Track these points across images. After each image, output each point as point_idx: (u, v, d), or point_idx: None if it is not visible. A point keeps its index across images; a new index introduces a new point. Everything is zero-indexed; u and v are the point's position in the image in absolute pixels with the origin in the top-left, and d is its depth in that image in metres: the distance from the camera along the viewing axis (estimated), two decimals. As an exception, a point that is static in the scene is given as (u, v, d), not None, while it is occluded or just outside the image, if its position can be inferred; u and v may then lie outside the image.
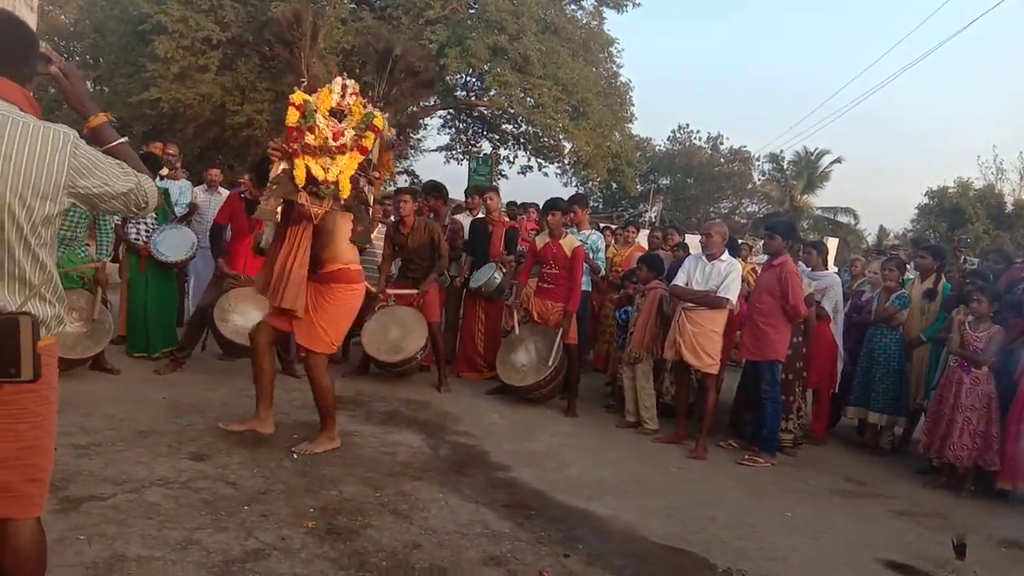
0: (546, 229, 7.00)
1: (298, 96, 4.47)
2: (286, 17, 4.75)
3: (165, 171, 7.47)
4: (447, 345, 8.17)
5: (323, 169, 4.45)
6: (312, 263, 4.72)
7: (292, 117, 4.42)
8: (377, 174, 4.84)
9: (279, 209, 4.60)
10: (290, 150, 4.44)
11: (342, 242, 4.77)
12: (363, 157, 4.58)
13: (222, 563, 3.16)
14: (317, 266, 4.75)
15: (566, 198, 7.50)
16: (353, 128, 4.53)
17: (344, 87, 4.58)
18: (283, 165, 4.49)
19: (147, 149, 7.89)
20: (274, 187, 4.51)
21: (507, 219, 8.53)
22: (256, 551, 3.32)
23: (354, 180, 4.59)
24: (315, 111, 4.44)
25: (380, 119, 4.62)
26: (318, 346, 4.82)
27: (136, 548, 3.19)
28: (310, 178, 4.45)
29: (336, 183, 4.49)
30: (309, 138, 4.40)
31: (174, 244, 6.75)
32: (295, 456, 4.63)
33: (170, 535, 3.36)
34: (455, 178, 30.47)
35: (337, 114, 4.55)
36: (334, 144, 4.46)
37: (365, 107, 4.62)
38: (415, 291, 6.93)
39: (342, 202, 4.60)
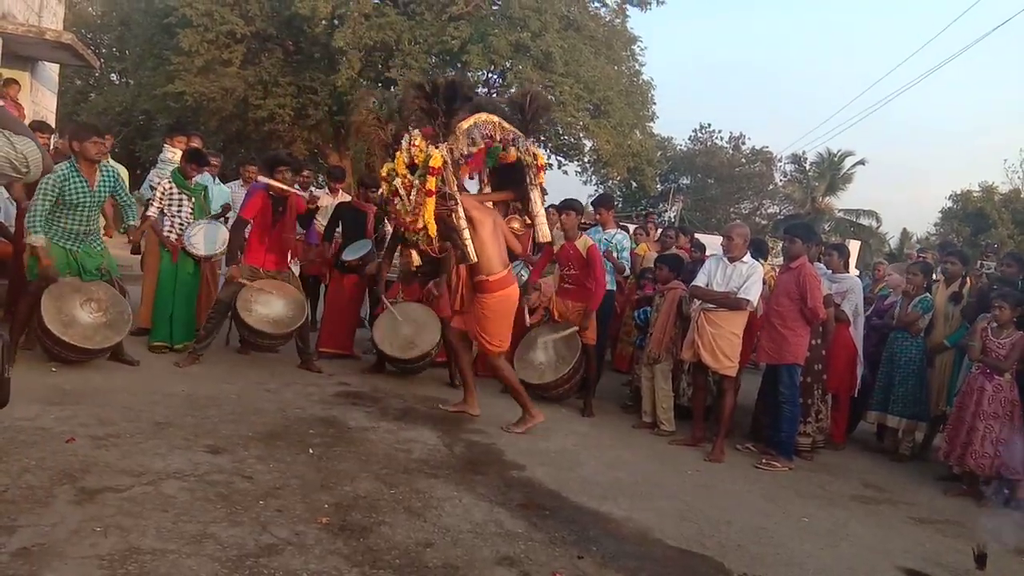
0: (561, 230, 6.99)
1: (385, 168, 5.38)
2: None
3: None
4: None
5: (410, 222, 5.32)
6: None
7: (386, 189, 5.46)
8: (454, 201, 5.38)
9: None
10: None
11: (482, 258, 5.53)
12: (432, 198, 5.25)
13: (236, 557, 3.17)
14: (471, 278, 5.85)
15: (585, 196, 7.50)
16: (418, 178, 5.23)
17: (410, 141, 5.30)
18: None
19: (189, 144, 7.92)
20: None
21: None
22: (270, 546, 3.32)
23: (437, 216, 5.30)
24: (395, 176, 5.28)
25: (437, 158, 5.17)
26: (483, 347, 5.83)
27: (151, 541, 3.20)
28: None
29: (424, 228, 5.27)
30: (398, 204, 5.34)
31: (206, 239, 6.81)
32: (311, 453, 4.65)
33: (185, 528, 3.37)
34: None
35: (412, 167, 5.29)
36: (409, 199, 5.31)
37: (425, 151, 5.24)
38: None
39: (435, 238, 5.37)
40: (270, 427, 5.03)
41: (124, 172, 6.28)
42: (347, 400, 6.06)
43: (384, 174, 5.34)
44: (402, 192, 5.26)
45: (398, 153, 5.29)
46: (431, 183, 5.15)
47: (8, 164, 2.32)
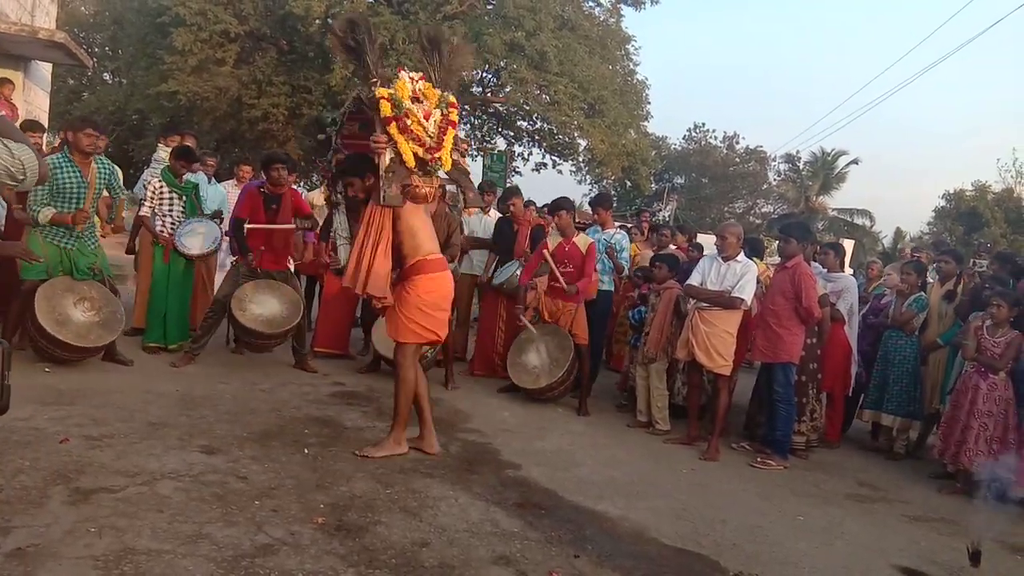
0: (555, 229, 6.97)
1: (382, 91, 4.66)
2: (340, 27, 4.95)
3: (197, 166, 7.54)
4: (459, 341, 8.18)
5: (425, 146, 4.73)
6: (394, 262, 4.87)
7: (386, 109, 4.62)
8: (465, 145, 5.00)
9: (398, 191, 4.70)
10: (395, 139, 4.66)
11: (420, 234, 4.87)
12: (455, 131, 4.92)
13: (231, 557, 3.16)
14: (398, 263, 4.89)
15: (580, 196, 7.50)
16: (437, 107, 4.83)
17: (411, 77, 4.83)
18: (390, 155, 4.67)
19: (182, 142, 7.91)
20: (390, 175, 4.69)
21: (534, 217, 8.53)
22: (265, 546, 3.31)
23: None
24: (400, 100, 4.67)
25: (452, 97, 4.94)
26: (403, 335, 4.87)
27: (146, 541, 3.20)
28: (418, 160, 4.72)
29: (439, 159, 4.80)
30: (411, 123, 4.67)
31: (197, 238, 6.79)
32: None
33: (180, 529, 3.36)
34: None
35: (414, 100, 4.79)
36: (430, 125, 4.78)
37: (434, 89, 4.89)
38: None
39: (446, 174, 4.93)
40: (265, 427, 5.02)
41: (118, 172, 6.26)
42: (342, 400, 6.06)
43: (386, 95, 4.62)
44: (413, 118, 4.69)
45: (399, 82, 4.74)
46: (454, 115, 4.94)
47: (6, 173, 2.34)
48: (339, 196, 5.38)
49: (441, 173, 4.91)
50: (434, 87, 4.93)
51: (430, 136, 4.75)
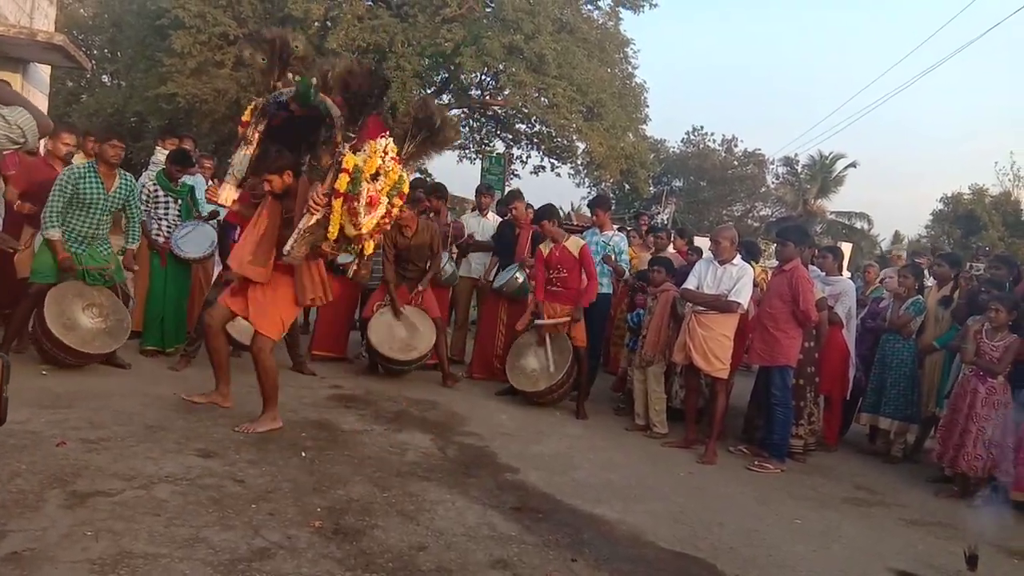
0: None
1: (349, 160, 4.48)
2: (361, 73, 4.83)
3: (195, 168, 7.53)
4: (458, 343, 8.20)
5: (355, 229, 4.59)
6: (279, 249, 4.87)
7: (343, 183, 4.46)
8: (387, 226, 5.03)
9: (304, 253, 4.74)
10: (333, 211, 4.54)
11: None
12: (390, 221, 4.87)
13: (228, 561, 3.16)
14: (280, 256, 4.88)
15: (579, 198, 7.50)
16: (387, 195, 4.63)
17: (386, 149, 4.60)
18: (317, 217, 4.59)
19: (180, 144, 7.91)
20: (307, 235, 4.64)
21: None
22: (262, 550, 3.31)
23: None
24: (361, 176, 4.47)
25: (407, 184, 4.80)
26: (272, 331, 5.03)
27: (143, 545, 3.19)
28: (341, 234, 4.64)
29: (358, 241, 4.76)
30: (357, 206, 4.49)
31: (194, 241, 6.79)
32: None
33: (177, 532, 3.35)
34: (467, 177, 30.36)
35: (374, 177, 4.58)
36: (370, 213, 4.59)
37: (398, 171, 4.69)
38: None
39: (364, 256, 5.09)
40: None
41: (138, 190, 6.27)
42: (340, 403, 6.05)
43: (349, 167, 4.43)
44: (361, 201, 4.48)
45: (371, 152, 4.52)
46: (397, 209, 4.83)
47: (7, 139, 2.37)
48: (256, 134, 4.98)
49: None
50: (400, 161, 4.73)
51: (365, 230, 4.64)
